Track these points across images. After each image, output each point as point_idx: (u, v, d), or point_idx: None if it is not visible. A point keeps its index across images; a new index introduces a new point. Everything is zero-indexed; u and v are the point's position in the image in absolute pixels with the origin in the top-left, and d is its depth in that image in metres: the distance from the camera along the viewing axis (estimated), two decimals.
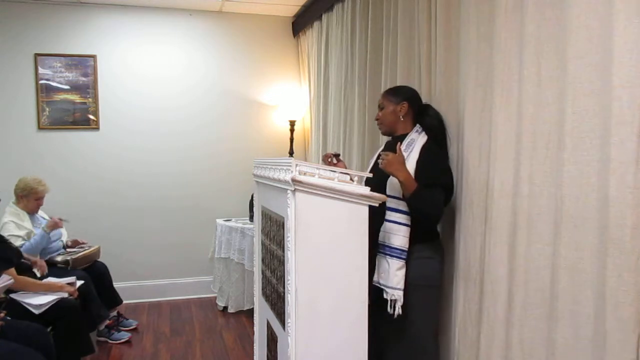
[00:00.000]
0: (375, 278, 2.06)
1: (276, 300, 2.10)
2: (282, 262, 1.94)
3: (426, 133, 2.12)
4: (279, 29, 4.77)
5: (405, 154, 2.02)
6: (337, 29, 3.66)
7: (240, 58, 4.68)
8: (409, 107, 2.17)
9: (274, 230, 2.11)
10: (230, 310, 4.19)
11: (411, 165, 2.02)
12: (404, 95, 2.19)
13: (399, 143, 2.09)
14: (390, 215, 2.03)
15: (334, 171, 1.88)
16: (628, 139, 1.25)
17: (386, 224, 2.04)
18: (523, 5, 1.65)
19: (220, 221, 4.36)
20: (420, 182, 1.97)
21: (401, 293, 1.99)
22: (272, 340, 2.21)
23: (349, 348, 1.84)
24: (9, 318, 2.55)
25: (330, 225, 1.78)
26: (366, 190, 1.80)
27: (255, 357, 2.68)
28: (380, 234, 2.05)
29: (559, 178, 1.49)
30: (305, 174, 1.79)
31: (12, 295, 2.78)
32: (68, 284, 3.07)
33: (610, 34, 1.30)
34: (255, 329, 2.68)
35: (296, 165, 1.78)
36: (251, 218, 3.93)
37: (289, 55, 4.81)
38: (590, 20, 1.38)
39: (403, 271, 2.00)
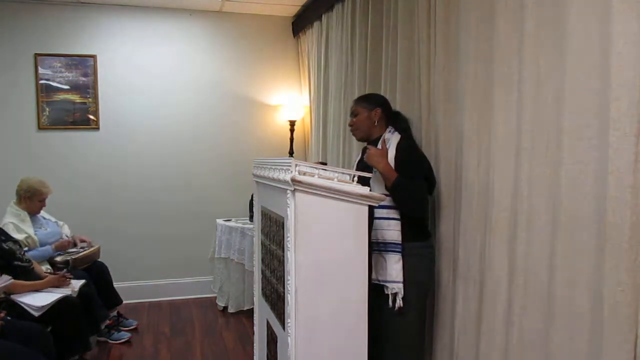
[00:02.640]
0: (373, 276, 2.09)
1: (276, 300, 2.10)
2: (282, 262, 1.94)
3: (399, 133, 2.25)
4: (279, 29, 4.77)
5: None
6: (337, 29, 3.66)
7: (240, 58, 4.68)
8: (382, 113, 2.29)
9: (274, 230, 2.11)
10: (230, 310, 4.20)
11: (390, 162, 2.12)
12: (376, 101, 2.32)
13: (382, 139, 2.21)
14: (378, 212, 2.07)
15: (334, 171, 1.88)
16: (626, 139, 1.25)
17: (376, 222, 2.08)
18: (523, 5, 1.65)
19: (220, 221, 4.36)
20: (402, 175, 2.07)
21: (401, 285, 2.04)
22: (272, 340, 2.22)
23: (349, 348, 1.84)
24: (9, 318, 2.55)
25: (330, 225, 1.79)
26: (366, 190, 1.80)
27: (255, 357, 2.68)
28: (372, 232, 2.07)
29: (558, 178, 1.49)
30: (305, 174, 1.80)
31: (13, 297, 2.78)
32: (64, 275, 3.07)
33: (608, 33, 1.30)
34: (255, 329, 2.68)
35: (296, 165, 1.78)
36: (251, 218, 3.93)
37: (289, 55, 4.81)
38: (589, 20, 1.38)
39: (400, 264, 2.05)
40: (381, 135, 2.26)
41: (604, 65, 1.33)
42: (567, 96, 1.45)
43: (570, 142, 1.44)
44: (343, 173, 1.89)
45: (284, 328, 1.91)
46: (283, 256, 1.90)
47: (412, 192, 2.06)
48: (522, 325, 1.64)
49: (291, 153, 4.63)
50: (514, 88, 1.71)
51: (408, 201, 2.07)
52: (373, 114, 2.29)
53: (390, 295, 2.06)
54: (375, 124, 2.29)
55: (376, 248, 2.10)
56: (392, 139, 2.21)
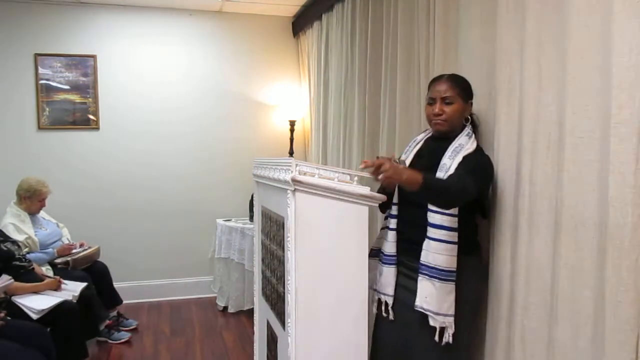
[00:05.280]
0: (417, 302, 1.79)
1: (276, 300, 2.10)
2: (282, 262, 1.94)
3: (476, 138, 1.82)
4: (279, 29, 4.77)
5: (449, 161, 1.77)
6: (337, 29, 3.66)
7: (240, 58, 4.68)
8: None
9: (274, 230, 2.11)
10: (230, 310, 4.20)
11: (449, 170, 1.76)
12: (471, 91, 1.86)
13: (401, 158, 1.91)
14: (433, 232, 1.76)
15: (335, 171, 1.88)
16: (627, 139, 1.25)
17: (429, 243, 1.78)
18: (524, 5, 1.65)
19: (220, 221, 4.36)
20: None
21: (452, 320, 1.75)
22: (272, 340, 2.21)
23: (349, 348, 1.84)
24: (9, 318, 2.55)
25: (330, 225, 1.78)
26: (366, 190, 1.80)
27: (255, 357, 2.68)
28: (423, 252, 1.79)
29: (560, 178, 1.49)
30: (305, 174, 1.80)
31: (13, 298, 2.78)
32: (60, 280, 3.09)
33: (609, 34, 1.30)
34: (255, 329, 2.68)
35: (296, 165, 1.78)
36: (251, 218, 3.93)
37: (289, 55, 4.81)
38: (590, 20, 1.38)
39: (453, 295, 1.75)
40: (456, 136, 1.84)
41: (605, 65, 1.32)
42: (569, 97, 1.45)
43: (572, 143, 1.44)
44: (343, 173, 1.89)
45: (284, 328, 1.91)
46: (283, 256, 1.90)
47: (447, 184, 1.70)
48: (525, 325, 1.64)
49: (291, 153, 4.63)
50: (515, 88, 1.71)
51: (439, 196, 1.71)
52: (468, 106, 1.84)
53: (437, 328, 1.77)
54: (464, 121, 1.84)
55: (425, 271, 1.78)
56: (464, 147, 1.78)
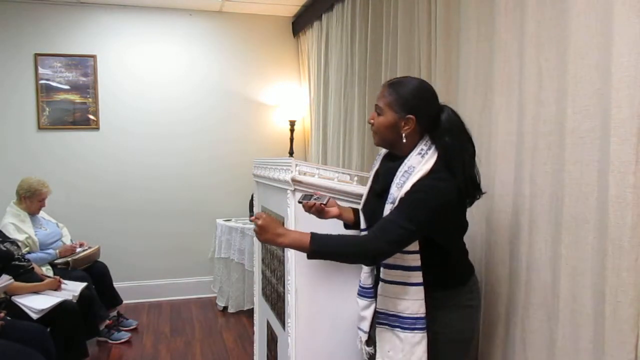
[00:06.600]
0: (378, 358, 1.52)
1: (276, 300, 2.10)
2: (282, 262, 1.94)
3: (437, 150, 1.48)
4: (279, 29, 4.77)
5: (397, 190, 1.45)
6: (337, 29, 3.67)
7: (240, 58, 4.68)
8: (417, 123, 1.49)
9: None
10: (230, 310, 4.20)
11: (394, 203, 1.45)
12: (413, 106, 1.48)
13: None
14: (387, 274, 1.48)
15: (335, 171, 1.89)
16: (627, 139, 1.25)
17: (384, 286, 1.49)
18: (524, 5, 1.65)
19: (220, 221, 4.36)
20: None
21: None
22: (272, 340, 2.22)
23: (349, 348, 1.84)
24: (9, 318, 2.55)
25: (330, 225, 1.79)
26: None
27: (255, 357, 2.69)
28: (379, 298, 1.51)
29: (560, 178, 1.49)
30: (305, 174, 1.80)
31: (13, 298, 2.78)
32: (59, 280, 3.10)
33: (609, 33, 1.30)
34: (255, 329, 2.68)
35: (296, 165, 1.78)
36: None
37: (289, 55, 4.81)
38: (590, 20, 1.38)
39: (424, 344, 1.44)
40: (408, 154, 1.50)
41: (605, 65, 1.32)
42: (569, 96, 1.45)
43: (572, 142, 1.44)
44: (343, 173, 1.89)
45: (284, 328, 1.91)
46: (283, 256, 1.90)
47: (358, 242, 1.46)
48: (525, 325, 1.64)
49: (291, 153, 4.63)
50: (515, 88, 1.71)
51: (352, 257, 1.47)
52: (402, 123, 1.48)
53: None
54: (403, 138, 1.49)
55: (384, 321, 1.50)
56: (416, 169, 1.44)
